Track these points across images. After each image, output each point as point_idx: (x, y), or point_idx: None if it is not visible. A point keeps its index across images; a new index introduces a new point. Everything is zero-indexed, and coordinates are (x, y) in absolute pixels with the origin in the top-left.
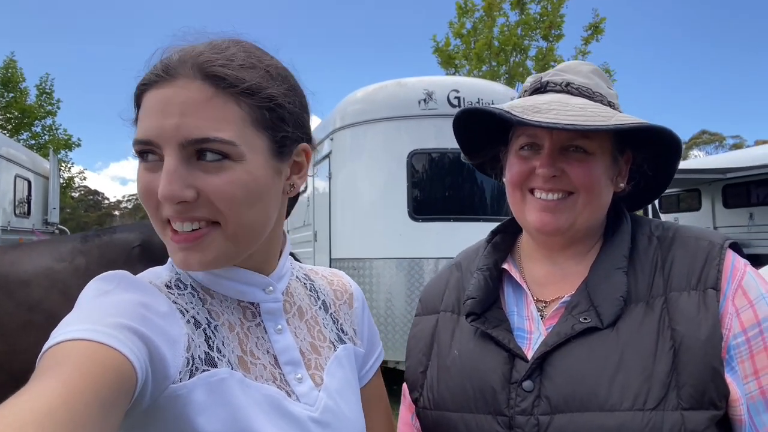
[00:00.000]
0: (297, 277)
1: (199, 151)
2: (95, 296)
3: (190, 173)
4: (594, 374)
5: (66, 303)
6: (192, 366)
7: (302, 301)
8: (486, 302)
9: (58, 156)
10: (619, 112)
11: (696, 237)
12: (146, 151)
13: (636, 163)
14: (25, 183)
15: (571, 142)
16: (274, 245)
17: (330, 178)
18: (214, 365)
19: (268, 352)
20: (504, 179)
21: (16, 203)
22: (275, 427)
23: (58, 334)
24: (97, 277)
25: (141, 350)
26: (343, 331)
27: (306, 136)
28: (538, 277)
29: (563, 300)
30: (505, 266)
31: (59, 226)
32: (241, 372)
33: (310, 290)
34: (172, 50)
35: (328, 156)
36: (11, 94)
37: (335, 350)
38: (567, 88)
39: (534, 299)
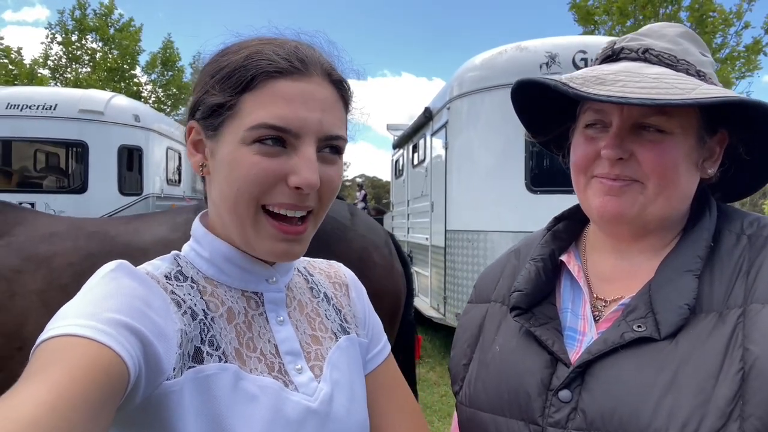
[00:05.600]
0: (298, 270)
1: (324, 146)
2: (96, 285)
3: (318, 164)
4: (639, 392)
5: None
6: (182, 362)
7: (302, 295)
8: (535, 296)
9: None
10: (711, 83)
11: None
12: (274, 137)
13: (732, 145)
14: (176, 155)
15: (644, 120)
16: None
17: (446, 149)
18: (201, 362)
19: (269, 341)
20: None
21: (168, 173)
22: (267, 422)
23: (54, 327)
24: (103, 266)
25: (135, 347)
26: (346, 321)
27: None
28: (603, 272)
29: (623, 302)
30: (563, 258)
31: None
32: (237, 364)
33: (311, 283)
34: (295, 46)
35: (444, 126)
36: (170, 73)
37: (337, 341)
38: (644, 56)
39: (594, 297)
